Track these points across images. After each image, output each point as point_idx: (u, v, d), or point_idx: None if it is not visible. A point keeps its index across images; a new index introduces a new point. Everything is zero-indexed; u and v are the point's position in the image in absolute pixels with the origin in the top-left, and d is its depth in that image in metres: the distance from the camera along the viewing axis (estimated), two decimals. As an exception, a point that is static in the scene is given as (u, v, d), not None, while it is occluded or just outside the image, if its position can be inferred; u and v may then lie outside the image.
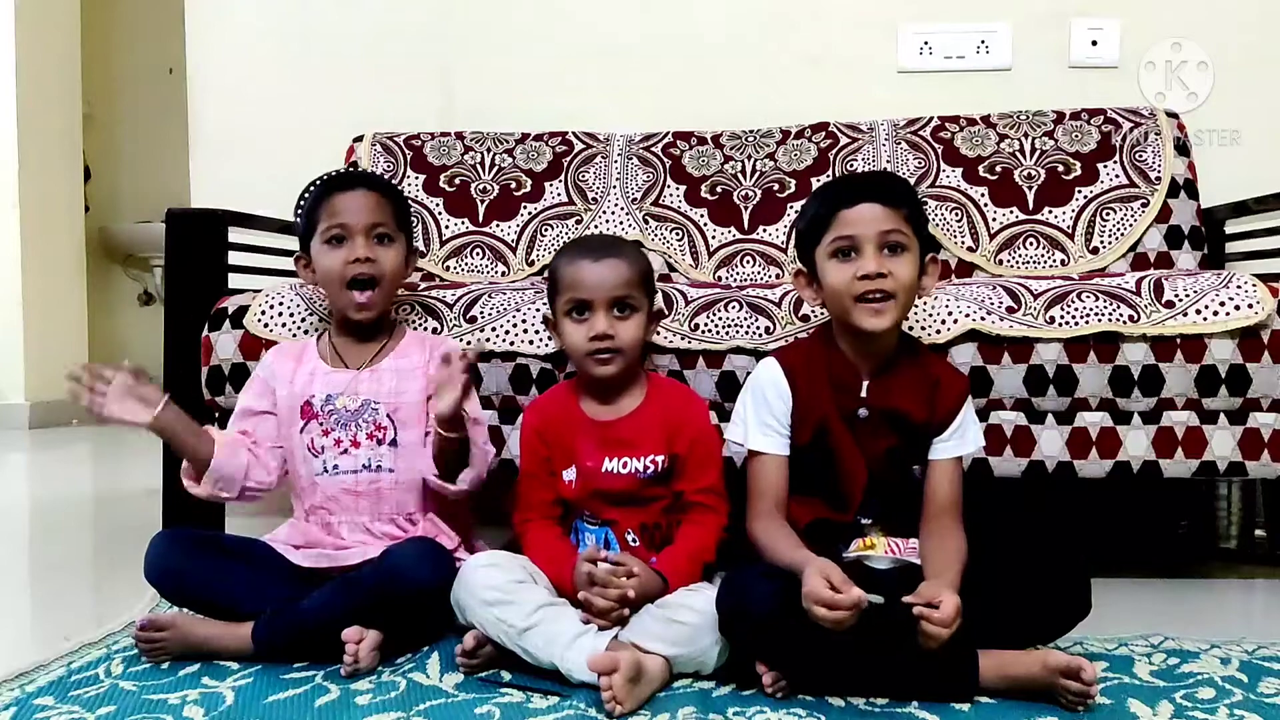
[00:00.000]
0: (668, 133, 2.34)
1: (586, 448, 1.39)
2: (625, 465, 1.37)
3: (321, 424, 1.46)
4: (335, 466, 1.45)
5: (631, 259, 1.40)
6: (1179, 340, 1.54)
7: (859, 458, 1.32)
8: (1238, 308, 1.53)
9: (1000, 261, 2.11)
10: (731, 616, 1.19)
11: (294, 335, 1.66)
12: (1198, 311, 1.54)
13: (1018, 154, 2.19)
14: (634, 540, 1.39)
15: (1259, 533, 1.97)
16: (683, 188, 2.26)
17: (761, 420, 1.35)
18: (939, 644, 1.10)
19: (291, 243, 2.11)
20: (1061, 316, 1.56)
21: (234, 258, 1.91)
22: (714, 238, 2.21)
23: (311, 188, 1.53)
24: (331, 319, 1.58)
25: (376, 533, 1.43)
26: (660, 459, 1.38)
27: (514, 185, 2.29)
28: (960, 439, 1.34)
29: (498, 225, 2.25)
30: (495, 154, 2.33)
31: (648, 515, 1.39)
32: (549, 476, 1.41)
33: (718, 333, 1.61)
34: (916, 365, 1.35)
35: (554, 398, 1.47)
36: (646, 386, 1.44)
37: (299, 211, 1.54)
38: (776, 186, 2.23)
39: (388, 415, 1.45)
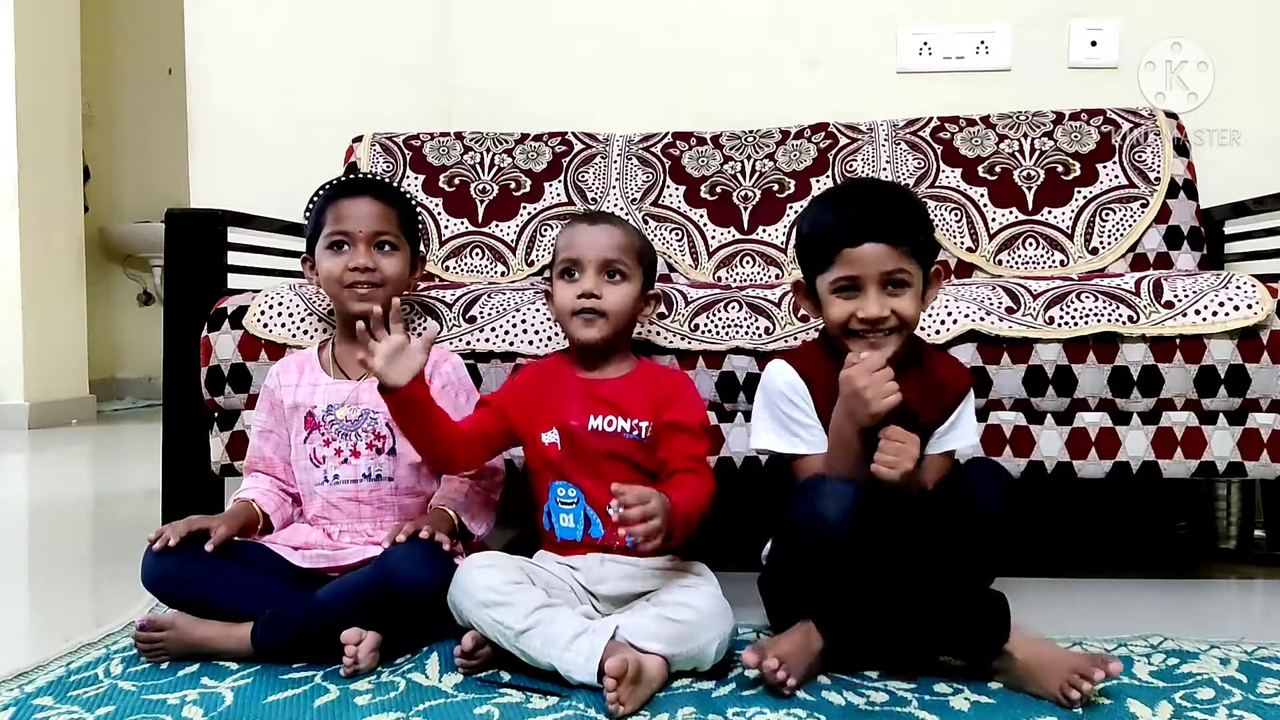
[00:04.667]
0: (667, 133, 2.34)
1: (571, 406, 1.39)
2: (610, 424, 1.37)
3: (323, 434, 1.47)
4: (336, 476, 1.46)
5: (626, 229, 1.43)
6: (1178, 341, 1.54)
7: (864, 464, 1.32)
8: (1237, 308, 1.53)
9: (1000, 262, 2.11)
10: (806, 525, 1.21)
11: (293, 335, 1.66)
12: (1197, 312, 1.54)
13: (1017, 154, 2.19)
14: (616, 518, 1.37)
15: (1258, 533, 1.97)
16: (682, 188, 2.26)
17: (794, 423, 1.33)
18: (896, 467, 1.17)
19: (291, 243, 2.13)
20: (1061, 317, 1.56)
21: (233, 258, 1.91)
22: (714, 238, 2.21)
23: (322, 190, 1.54)
24: (335, 322, 1.59)
25: (380, 540, 1.43)
26: (645, 424, 1.38)
27: (513, 185, 2.29)
28: (955, 433, 1.35)
29: (497, 225, 2.25)
30: (495, 154, 2.33)
31: (634, 483, 1.36)
32: (500, 422, 1.40)
33: (717, 333, 1.61)
34: (921, 371, 1.33)
35: (545, 360, 1.51)
36: (635, 364, 1.45)
37: (308, 213, 1.55)
38: (776, 187, 2.23)
39: (386, 424, 1.46)
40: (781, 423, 1.34)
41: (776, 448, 1.35)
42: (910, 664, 1.26)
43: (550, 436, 1.39)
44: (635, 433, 1.37)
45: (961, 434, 1.36)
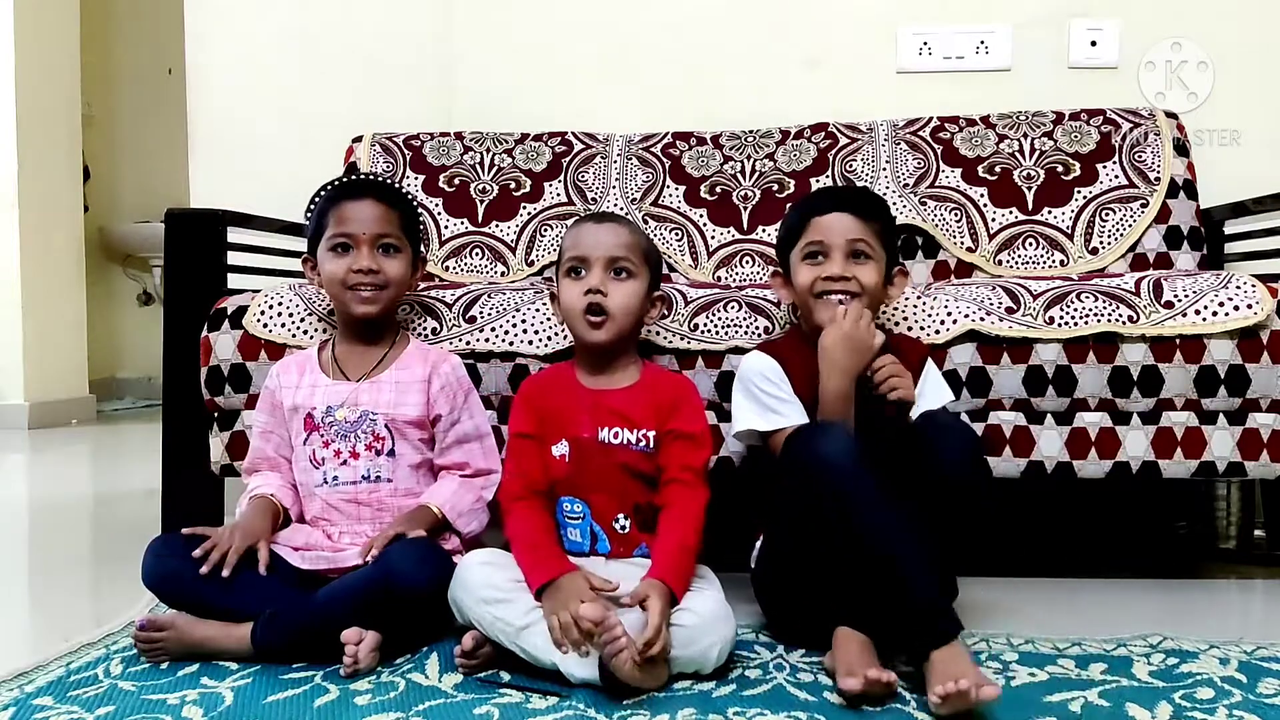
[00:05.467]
0: (667, 133, 2.34)
1: (580, 418, 1.39)
2: (617, 435, 1.37)
3: (322, 435, 1.47)
4: (335, 478, 1.46)
5: (633, 229, 1.46)
6: (1178, 341, 1.54)
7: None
8: (1237, 308, 1.54)
9: (1000, 262, 2.11)
10: (811, 468, 1.24)
11: (293, 335, 1.66)
12: (1197, 312, 1.54)
13: (1017, 154, 2.19)
14: (624, 527, 1.38)
15: (1258, 533, 1.96)
16: (682, 188, 2.26)
17: (772, 399, 1.40)
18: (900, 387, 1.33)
19: (291, 243, 2.13)
20: (1061, 317, 1.56)
21: (233, 258, 1.91)
22: (713, 238, 2.21)
23: (323, 191, 1.54)
24: (336, 321, 1.59)
25: None
26: (651, 434, 1.38)
27: (513, 185, 2.29)
28: (925, 400, 1.43)
29: (497, 225, 2.25)
30: (495, 154, 2.33)
31: (641, 494, 1.38)
32: (539, 444, 1.40)
33: (717, 333, 1.61)
34: (883, 353, 1.40)
35: (550, 370, 1.51)
36: (641, 369, 1.45)
37: (309, 213, 1.55)
38: (776, 187, 2.23)
39: (385, 426, 1.46)
40: (760, 402, 1.41)
41: (758, 426, 1.40)
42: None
43: (560, 449, 1.39)
44: (642, 444, 1.38)
45: (932, 397, 1.45)
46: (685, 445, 1.38)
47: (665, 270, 2.18)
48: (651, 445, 1.38)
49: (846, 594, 1.25)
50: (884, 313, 1.57)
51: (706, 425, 1.43)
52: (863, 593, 1.24)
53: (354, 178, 1.57)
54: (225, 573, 1.31)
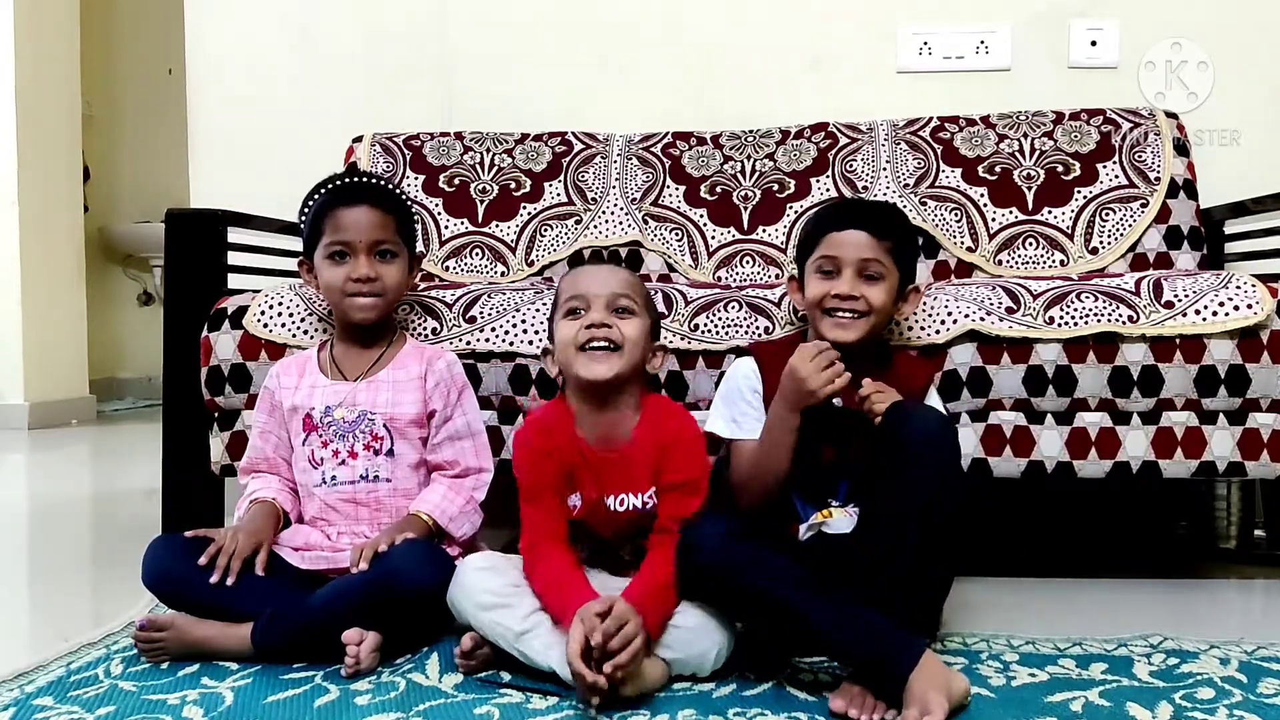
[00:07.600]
0: (667, 133, 2.34)
1: (585, 479, 1.35)
2: (623, 502, 1.34)
3: (321, 435, 1.47)
4: (334, 478, 1.46)
5: (630, 273, 1.44)
6: (1178, 341, 1.54)
7: (827, 442, 1.36)
8: (1237, 308, 1.54)
9: (1000, 262, 2.11)
10: (686, 561, 1.23)
11: (293, 335, 1.66)
12: (1197, 312, 1.54)
13: (1017, 154, 2.19)
14: (628, 558, 1.38)
15: (1258, 533, 1.96)
16: (682, 188, 2.26)
17: (738, 411, 1.41)
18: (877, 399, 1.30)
19: (290, 243, 2.12)
20: (1061, 317, 1.56)
21: (233, 258, 1.91)
22: (713, 238, 2.21)
23: (317, 193, 1.53)
24: (334, 323, 1.59)
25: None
26: (654, 490, 1.35)
27: (513, 185, 2.29)
28: None
29: (497, 225, 2.25)
30: (495, 154, 2.33)
31: (644, 537, 1.36)
32: (555, 498, 1.35)
33: (717, 333, 1.61)
34: (887, 373, 1.39)
35: (545, 417, 1.39)
36: (641, 412, 1.37)
37: (303, 215, 1.55)
38: (776, 187, 2.23)
39: (384, 425, 1.46)
40: (727, 412, 1.42)
41: (720, 431, 1.42)
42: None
43: (574, 500, 1.36)
44: (650, 505, 1.35)
45: None
46: (677, 496, 1.33)
47: (665, 270, 2.18)
48: (656, 499, 1.35)
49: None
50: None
51: (701, 469, 1.37)
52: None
53: (348, 179, 1.55)
54: (230, 580, 1.31)
